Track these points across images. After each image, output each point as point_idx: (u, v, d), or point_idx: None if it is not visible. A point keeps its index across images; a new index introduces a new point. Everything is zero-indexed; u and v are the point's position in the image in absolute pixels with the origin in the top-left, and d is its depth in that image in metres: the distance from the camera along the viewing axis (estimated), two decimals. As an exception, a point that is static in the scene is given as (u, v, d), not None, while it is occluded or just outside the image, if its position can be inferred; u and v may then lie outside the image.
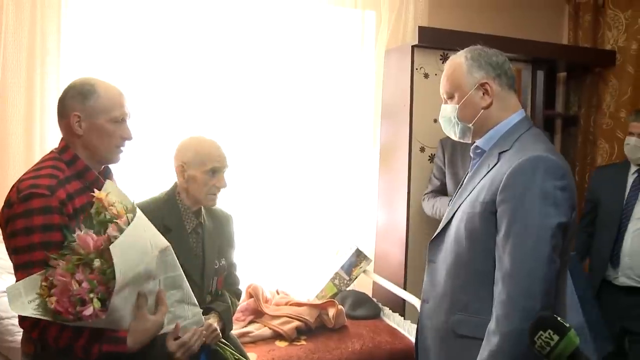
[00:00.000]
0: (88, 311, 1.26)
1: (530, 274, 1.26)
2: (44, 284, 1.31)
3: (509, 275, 1.29)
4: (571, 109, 3.58)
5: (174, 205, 1.78)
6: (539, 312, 1.23)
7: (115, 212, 1.35)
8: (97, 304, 1.26)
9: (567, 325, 0.98)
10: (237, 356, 1.78)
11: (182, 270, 1.48)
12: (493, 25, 3.33)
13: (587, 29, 3.54)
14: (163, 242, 1.42)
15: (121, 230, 1.30)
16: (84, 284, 1.26)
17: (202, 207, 1.83)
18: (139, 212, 1.39)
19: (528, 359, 1.26)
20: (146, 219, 1.42)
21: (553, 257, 1.27)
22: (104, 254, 1.29)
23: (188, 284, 1.51)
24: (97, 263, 1.28)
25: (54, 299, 1.27)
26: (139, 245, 1.33)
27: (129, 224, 1.32)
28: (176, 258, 1.46)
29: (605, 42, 3.47)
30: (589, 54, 3.44)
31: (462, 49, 1.54)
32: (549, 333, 0.96)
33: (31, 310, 1.29)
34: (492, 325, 1.30)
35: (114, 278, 1.26)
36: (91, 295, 1.26)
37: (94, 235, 1.32)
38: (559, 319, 0.98)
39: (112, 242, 1.28)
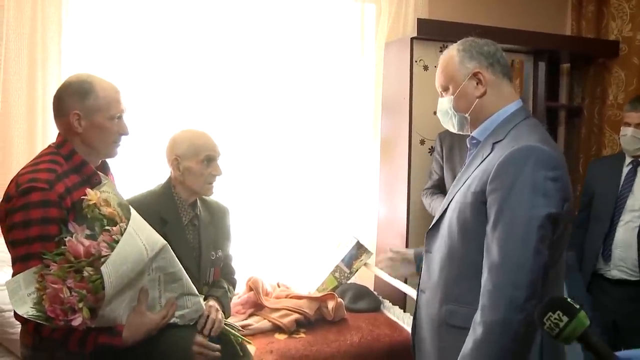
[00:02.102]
0: (77, 321, 1.27)
1: (517, 265, 1.26)
2: (39, 279, 1.32)
3: (495, 265, 1.28)
4: (575, 100, 3.55)
5: (170, 198, 1.80)
6: (526, 302, 1.23)
7: (109, 212, 1.36)
8: (86, 313, 1.28)
9: (577, 306, 0.96)
10: (240, 338, 1.80)
11: (180, 265, 1.50)
12: (494, 16, 3.31)
13: (590, 19, 3.50)
14: (159, 241, 1.42)
15: (112, 247, 1.30)
16: (74, 293, 1.27)
17: (198, 200, 1.85)
18: (132, 215, 1.39)
19: (513, 350, 1.27)
20: (140, 219, 1.42)
21: (540, 248, 1.26)
22: (94, 263, 1.30)
23: (187, 276, 1.53)
24: (86, 273, 1.29)
25: (47, 300, 1.29)
26: (132, 256, 1.33)
27: (121, 234, 1.33)
28: (174, 254, 1.47)
29: (610, 33, 3.43)
30: (592, 45, 3.40)
31: (462, 40, 1.54)
32: (558, 314, 0.95)
33: (29, 307, 1.31)
34: (477, 315, 1.30)
35: (104, 289, 1.27)
36: (80, 304, 1.27)
37: (85, 241, 1.32)
38: (568, 299, 0.97)
39: (104, 258, 1.28)
